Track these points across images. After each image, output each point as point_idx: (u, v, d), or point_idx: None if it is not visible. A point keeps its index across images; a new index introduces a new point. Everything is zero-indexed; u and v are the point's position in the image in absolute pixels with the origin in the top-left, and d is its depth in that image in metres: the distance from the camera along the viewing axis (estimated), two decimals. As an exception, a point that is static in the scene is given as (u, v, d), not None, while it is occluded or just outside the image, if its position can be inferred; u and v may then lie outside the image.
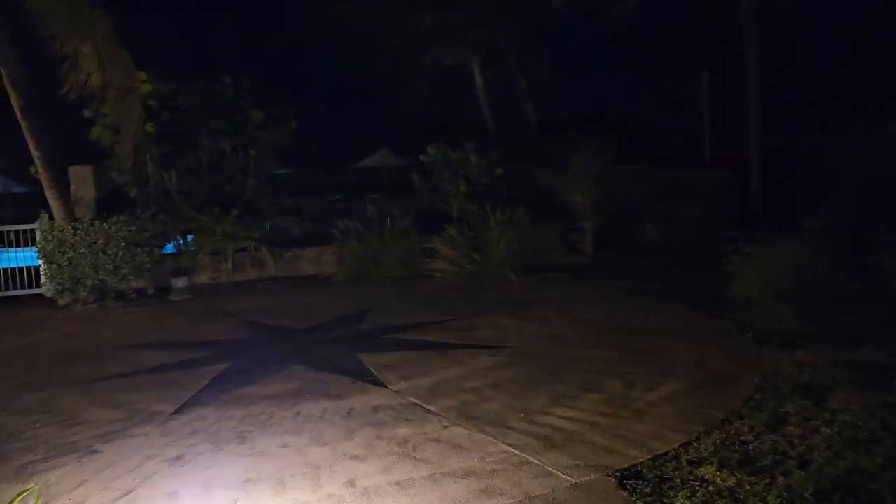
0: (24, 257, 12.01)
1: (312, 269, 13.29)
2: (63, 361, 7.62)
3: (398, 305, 9.87)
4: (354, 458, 4.59)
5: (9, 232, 12.10)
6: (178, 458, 4.71)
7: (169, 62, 12.95)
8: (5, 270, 12.20)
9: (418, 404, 5.61)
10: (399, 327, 8.50)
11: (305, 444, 4.87)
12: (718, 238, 13.55)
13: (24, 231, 11.63)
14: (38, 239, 10.98)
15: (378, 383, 6.24)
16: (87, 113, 12.31)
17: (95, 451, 4.89)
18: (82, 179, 12.52)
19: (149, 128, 12.11)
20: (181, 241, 12.74)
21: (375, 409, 5.52)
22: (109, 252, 10.79)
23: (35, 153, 10.69)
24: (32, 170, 11.62)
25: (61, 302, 10.92)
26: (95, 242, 10.74)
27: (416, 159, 15.64)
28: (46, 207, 11.26)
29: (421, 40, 19.02)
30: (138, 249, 11.06)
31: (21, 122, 10.37)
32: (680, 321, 8.24)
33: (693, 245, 13.12)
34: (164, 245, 12.44)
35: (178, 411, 5.70)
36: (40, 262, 11.08)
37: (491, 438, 4.83)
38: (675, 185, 14.66)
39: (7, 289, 12.13)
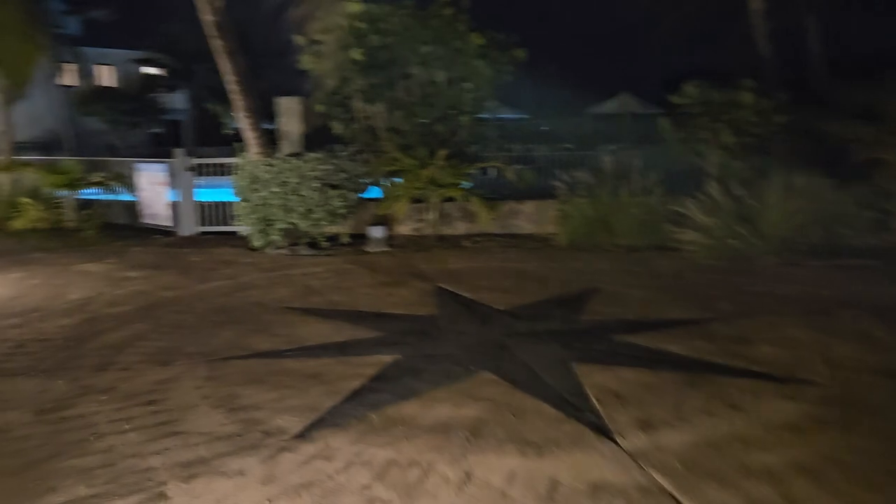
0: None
1: (531, 226, 11.16)
2: (217, 322, 6.32)
3: (633, 288, 7.38)
4: None
5: (226, 165, 11.50)
6: (263, 542, 2.88)
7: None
8: (223, 204, 11.66)
9: (670, 493, 3.24)
10: (633, 324, 6.07)
11: (466, 555, 2.79)
12: None
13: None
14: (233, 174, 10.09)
15: (600, 428, 3.96)
16: (299, 40, 11.22)
17: (163, 498, 3.24)
18: (290, 112, 11.45)
19: (355, 54, 10.64)
20: (386, 185, 11.29)
21: (595, 492, 3.26)
22: (303, 193, 9.55)
23: (230, 77, 9.65)
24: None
25: (254, 244, 9.98)
26: (288, 182, 9.54)
27: (662, 106, 12.71)
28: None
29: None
30: (333, 192, 9.70)
31: (214, 40, 9.32)
32: None
33: None
34: (367, 188, 11.06)
35: (303, 434, 3.93)
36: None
37: None
38: None
39: (222, 223, 11.59)
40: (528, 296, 7.07)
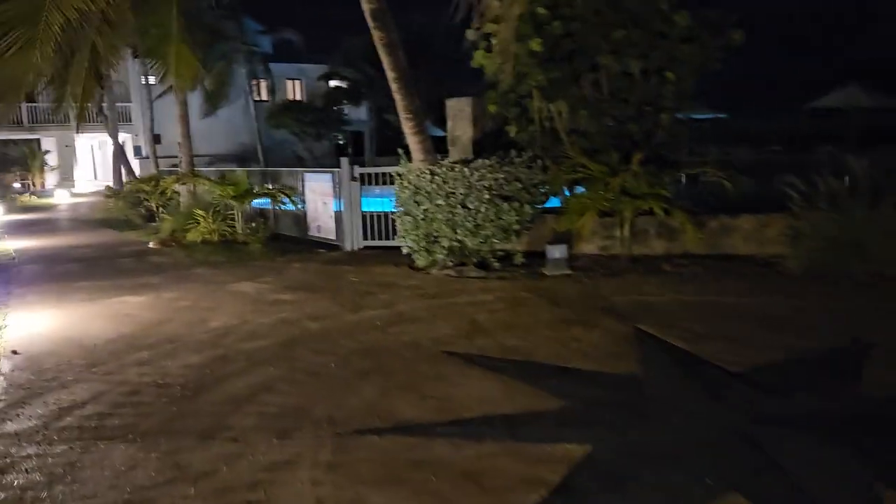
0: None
1: (749, 246, 8.98)
2: (360, 371, 5.09)
3: (927, 343, 5.17)
4: None
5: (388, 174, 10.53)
6: None
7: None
8: (386, 216, 10.68)
9: None
10: (957, 410, 3.98)
11: None
12: None
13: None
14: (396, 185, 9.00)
15: None
16: (469, 35, 9.97)
17: None
18: (459, 115, 10.23)
19: (534, 45, 9.15)
20: (568, 196, 9.69)
21: None
22: (470, 206, 8.22)
23: (390, 73, 8.56)
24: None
25: (418, 263, 8.83)
26: (454, 193, 8.26)
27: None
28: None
29: None
30: (505, 204, 8.27)
31: (373, 31, 8.26)
32: None
33: None
34: (545, 199, 9.52)
35: None
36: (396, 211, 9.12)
37: None
38: None
39: (388, 237, 10.58)
40: (770, 350, 5.13)
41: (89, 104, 24.14)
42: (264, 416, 4.27)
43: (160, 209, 14.35)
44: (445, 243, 8.39)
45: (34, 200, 24.80)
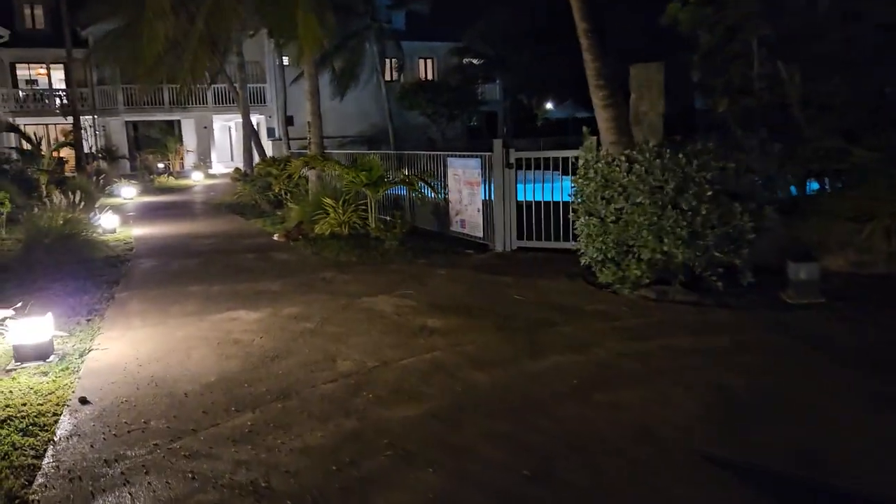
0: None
1: None
2: (576, 493, 3.08)
3: None
4: None
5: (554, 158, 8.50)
6: None
7: None
8: (545, 209, 8.65)
9: None
10: None
11: None
12: None
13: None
14: (577, 173, 6.88)
15: None
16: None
17: None
18: (648, 83, 7.87)
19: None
20: (803, 191, 7.23)
21: None
22: (684, 205, 5.97)
23: (581, 24, 6.42)
24: None
25: (601, 277, 6.69)
26: (661, 187, 6.04)
27: None
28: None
29: None
30: (735, 204, 5.95)
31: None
32: None
33: None
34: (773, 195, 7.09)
35: None
36: (573, 208, 7.01)
37: None
38: None
39: (545, 237, 8.65)
40: None
41: (220, 84, 23.71)
42: None
43: (287, 195, 13.02)
44: (646, 255, 6.19)
45: (170, 181, 24.75)
